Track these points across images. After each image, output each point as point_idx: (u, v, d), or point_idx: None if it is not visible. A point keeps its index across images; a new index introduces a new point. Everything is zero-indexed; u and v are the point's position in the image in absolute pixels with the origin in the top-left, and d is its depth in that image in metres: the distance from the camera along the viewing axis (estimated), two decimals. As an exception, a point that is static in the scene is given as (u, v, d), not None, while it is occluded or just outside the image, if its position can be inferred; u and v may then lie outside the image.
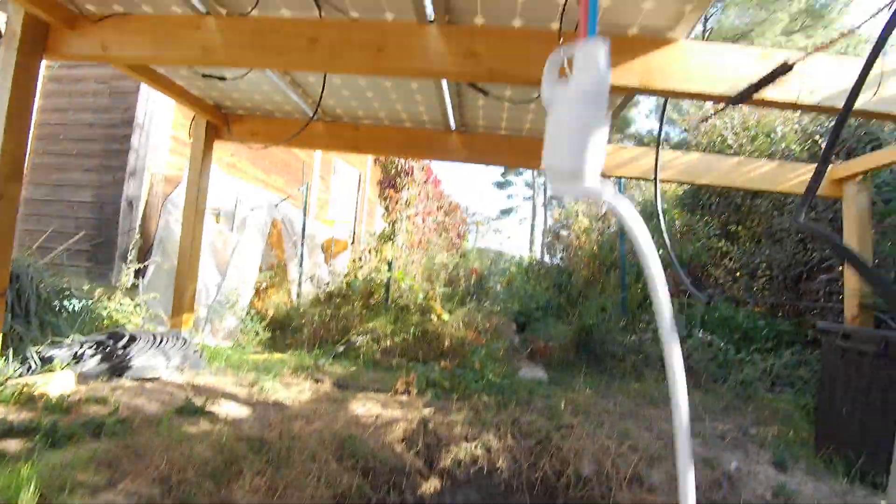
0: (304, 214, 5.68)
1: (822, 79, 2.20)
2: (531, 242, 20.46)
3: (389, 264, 4.76)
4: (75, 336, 3.34)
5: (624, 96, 2.85)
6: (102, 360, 2.94)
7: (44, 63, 2.69)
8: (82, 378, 2.79)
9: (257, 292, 5.08)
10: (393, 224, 5.06)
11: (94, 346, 3.11)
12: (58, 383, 2.56)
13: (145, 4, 2.43)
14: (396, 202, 5.11)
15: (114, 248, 4.95)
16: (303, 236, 5.53)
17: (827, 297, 5.93)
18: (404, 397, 3.26)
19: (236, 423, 2.53)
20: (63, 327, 3.38)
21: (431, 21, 2.23)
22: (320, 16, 2.29)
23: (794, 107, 2.22)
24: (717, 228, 7.30)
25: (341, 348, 4.19)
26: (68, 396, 2.40)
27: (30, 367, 2.83)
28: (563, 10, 2.01)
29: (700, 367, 4.48)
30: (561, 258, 7.05)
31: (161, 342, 3.35)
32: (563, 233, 7.02)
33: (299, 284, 5.35)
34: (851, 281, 3.62)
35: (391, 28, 2.26)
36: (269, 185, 6.88)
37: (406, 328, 4.27)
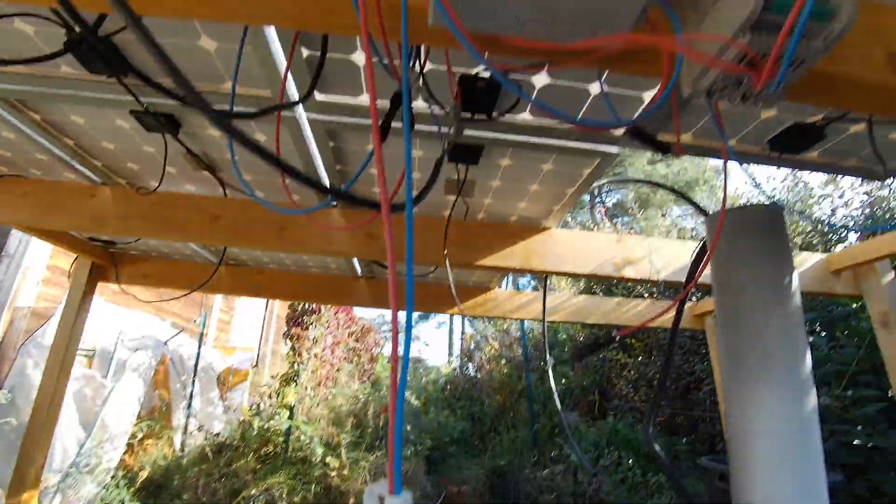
0: (199, 348, 5.22)
1: (668, 258, 2.68)
2: (450, 348, 20.43)
3: (291, 410, 4.42)
4: None
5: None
6: None
7: None
8: None
9: (130, 447, 4.36)
10: (297, 364, 4.81)
11: None
12: None
13: (35, 169, 2.35)
14: (303, 340, 4.93)
15: (-57, 402, 4.08)
16: (195, 374, 5.02)
17: (713, 405, 6.52)
18: (298, 584, 2.84)
19: None
20: None
21: (335, 205, 2.41)
22: (224, 194, 2.37)
23: (648, 282, 2.64)
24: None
25: (228, 518, 3.63)
26: None
27: None
28: (454, 204, 2.29)
29: (611, 499, 4.52)
30: (474, 377, 7.10)
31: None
32: (476, 354, 7.17)
33: (185, 432, 4.72)
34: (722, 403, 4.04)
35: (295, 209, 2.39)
36: (161, 311, 6.31)
37: (307, 484, 3.86)
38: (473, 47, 0.68)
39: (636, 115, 1.48)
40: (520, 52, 0.83)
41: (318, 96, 1.52)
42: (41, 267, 4.70)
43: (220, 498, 3.89)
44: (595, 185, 2.02)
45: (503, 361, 6.22)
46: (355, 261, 3.44)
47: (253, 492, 3.85)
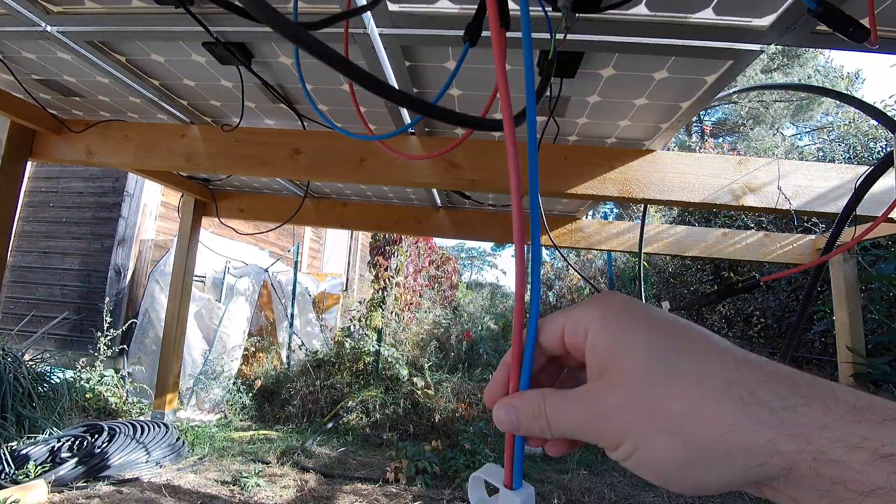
0: (295, 276, 5.64)
1: (801, 184, 2.24)
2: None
3: (379, 333, 4.70)
4: (52, 431, 3.24)
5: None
6: (79, 462, 2.83)
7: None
8: (58, 484, 2.68)
9: (246, 359, 4.98)
10: (382, 291, 5.03)
11: (72, 443, 3.02)
12: (29, 497, 2.46)
13: (132, 112, 2.46)
14: (385, 269, 5.10)
15: (99, 318, 4.88)
16: (293, 298, 5.48)
17: (823, 348, 5.87)
18: (393, 488, 3.15)
19: (215, 538, 2.42)
20: (40, 420, 3.28)
21: (412, 133, 2.26)
22: (304, 127, 2.32)
23: (772, 211, 2.24)
24: (709, 273, 7.32)
25: (330, 425, 4.08)
26: (38, 519, 2.29)
27: (3, 469, 2.73)
28: (545, 126, 2.04)
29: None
30: (554, 306, 7.01)
31: (141, 432, 3.25)
32: (557, 283, 7.01)
33: (289, 349, 5.27)
34: (843, 351, 3.58)
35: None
36: (260, 241, 6.87)
37: (396, 400, 4.17)
38: None
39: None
40: None
41: (391, 6, 1.33)
42: (156, 204, 5.22)
43: (323, 406, 4.37)
44: (727, 91, 1.64)
45: (586, 291, 6.01)
46: (435, 192, 3.34)
47: (350, 403, 4.26)
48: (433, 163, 2.24)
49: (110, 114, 2.50)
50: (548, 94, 1.76)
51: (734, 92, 1.99)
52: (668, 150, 2.26)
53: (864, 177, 1.25)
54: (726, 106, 20.38)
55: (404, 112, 2.01)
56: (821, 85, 15.01)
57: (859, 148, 7.36)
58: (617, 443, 0.25)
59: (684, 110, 1.85)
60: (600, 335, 0.27)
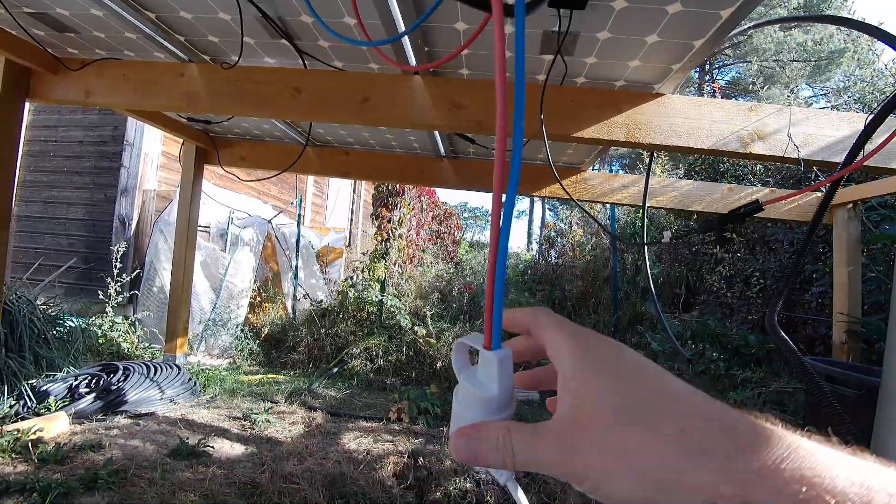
0: (298, 228, 5.67)
1: (811, 133, 2.20)
2: (528, 236, 20.38)
3: (382, 283, 4.77)
4: (69, 370, 3.37)
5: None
6: (97, 397, 2.97)
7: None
8: (78, 416, 2.83)
9: (252, 307, 5.09)
10: (385, 243, 5.06)
11: (89, 380, 3.15)
12: (52, 427, 2.59)
13: (128, 50, 2.41)
14: (388, 221, 5.11)
15: (106, 267, 4.96)
16: (297, 250, 5.53)
17: (819, 309, 5.95)
18: (396, 426, 3.31)
19: (229, 465, 2.57)
20: (57, 359, 3.40)
21: (416, 73, 2.21)
22: (304, 66, 2.27)
23: (780, 160, 2.21)
24: (711, 234, 7.31)
25: (335, 369, 4.23)
26: (63, 445, 2.43)
27: (25, 403, 2.87)
28: (552, 65, 1.98)
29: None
30: (556, 264, 7.06)
31: (155, 372, 3.38)
32: (559, 241, 7.02)
33: (294, 299, 5.37)
34: (840, 305, 3.64)
35: (376, 79, 2.24)
36: (262, 195, 6.85)
37: (399, 347, 4.30)
38: None
39: None
40: None
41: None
42: (157, 154, 5.16)
43: (328, 353, 4.51)
44: (736, 32, 1.59)
45: (588, 248, 6.04)
46: (438, 140, 3.30)
47: (354, 350, 4.40)
48: (438, 103, 2.20)
49: (106, 52, 2.44)
50: (556, 28, 1.71)
51: (753, 26, 1.92)
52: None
53: (875, 113, 1.23)
54: (740, 65, 19.63)
55: (400, 24, 1.96)
56: (842, 42, 14.37)
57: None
58: (582, 479, 0.29)
59: (697, 49, 1.79)
60: (574, 378, 0.31)
